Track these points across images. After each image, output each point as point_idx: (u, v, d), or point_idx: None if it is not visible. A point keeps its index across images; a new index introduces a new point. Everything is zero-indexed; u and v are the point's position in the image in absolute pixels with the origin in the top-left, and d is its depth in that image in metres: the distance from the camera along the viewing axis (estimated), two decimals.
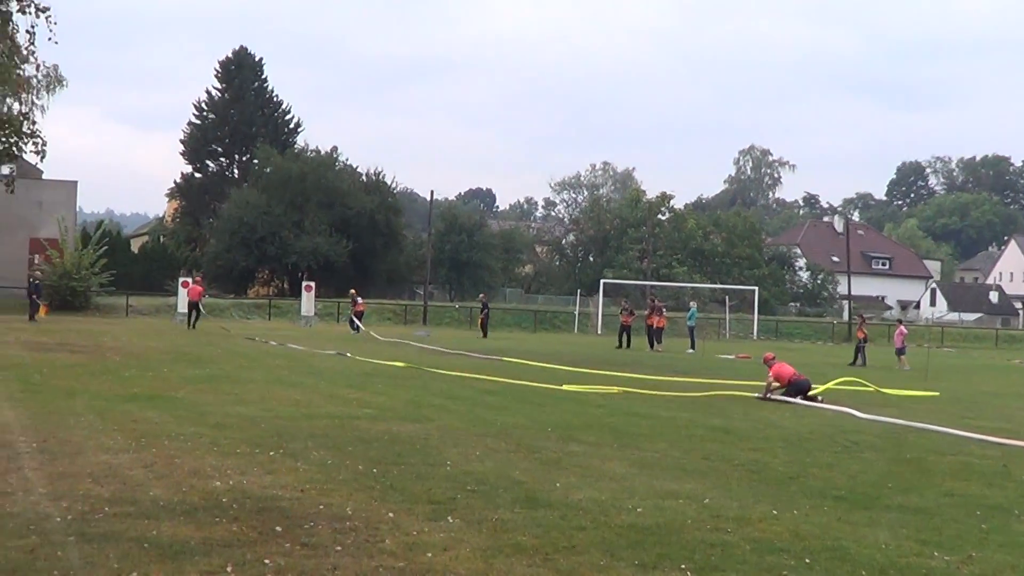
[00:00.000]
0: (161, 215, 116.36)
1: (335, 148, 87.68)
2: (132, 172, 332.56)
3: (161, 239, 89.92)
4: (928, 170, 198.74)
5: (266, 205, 77.41)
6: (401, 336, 46.24)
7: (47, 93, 58.42)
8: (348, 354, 30.92)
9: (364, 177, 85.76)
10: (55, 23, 30.21)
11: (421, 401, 18.27)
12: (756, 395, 22.16)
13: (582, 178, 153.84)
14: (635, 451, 13.25)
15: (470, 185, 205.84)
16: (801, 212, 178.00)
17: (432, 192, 79.00)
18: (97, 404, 15.69)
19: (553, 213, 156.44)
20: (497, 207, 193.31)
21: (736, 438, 15.07)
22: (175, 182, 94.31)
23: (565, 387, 22.46)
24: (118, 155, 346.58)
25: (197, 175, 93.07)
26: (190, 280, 49.57)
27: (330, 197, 79.40)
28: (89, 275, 56.77)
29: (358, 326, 49.24)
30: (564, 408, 18.20)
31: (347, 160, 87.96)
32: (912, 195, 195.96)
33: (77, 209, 74.37)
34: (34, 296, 47.59)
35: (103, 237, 62.93)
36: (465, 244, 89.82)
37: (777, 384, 21.94)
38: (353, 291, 53.88)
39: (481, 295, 57.50)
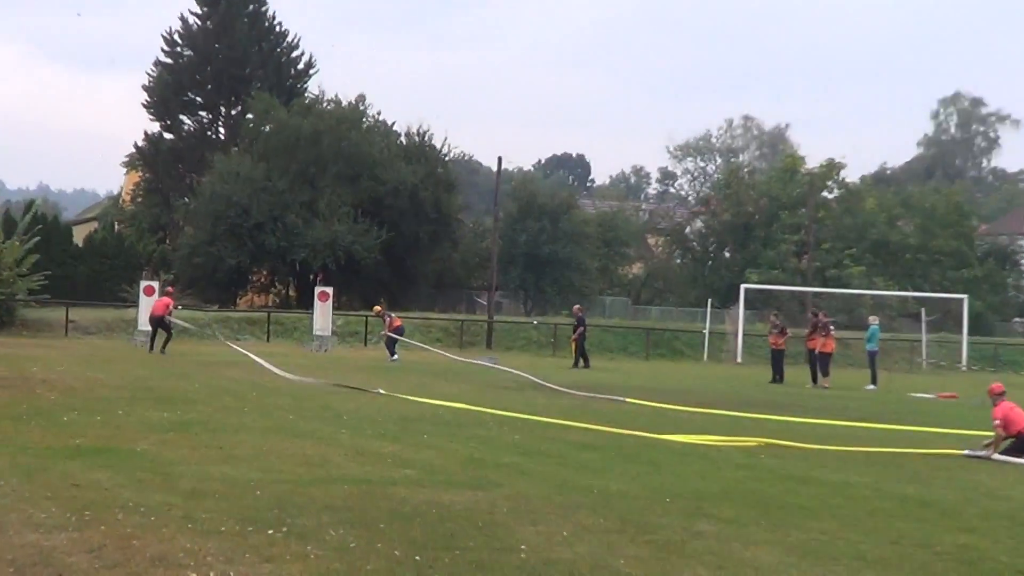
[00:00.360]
0: (116, 192, 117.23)
1: (362, 98, 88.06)
2: (74, 132, 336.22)
3: (116, 226, 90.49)
4: None
5: (264, 178, 77.85)
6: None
7: None
8: (380, 390, 30.91)
9: (403, 139, 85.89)
10: None
11: (485, 459, 18.15)
12: (966, 451, 21.80)
13: (714, 140, 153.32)
14: (792, 531, 13.06)
15: (554, 150, 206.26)
16: None
17: (500, 160, 77.88)
18: (23, 461, 15.68)
19: (673, 189, 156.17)
20: (592, 181, 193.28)
21: (939, 514, 14.84)
22: (136, 146, 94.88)
23: (666, 437, 22.28)
24: (55, 108, 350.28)
25: (167, 136, 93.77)
26: (155, 285, 49.83)
27: (355, 167, 79.74)
28: (13, 278, 56.97)
29: (399, 345, 49.68)
30: (689, 469, 18.03)
31: (379, 115, 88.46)
32: None
33: None
34: None
35: (34, 224, 63.40)
36: (547, 234, 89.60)
37: (1004, 433, 21.59)
38: (378, 308, 54.50)
39: (575, 307, 57.42)
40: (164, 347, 45.33)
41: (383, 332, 52.19)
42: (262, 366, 37.90)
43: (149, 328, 47.32)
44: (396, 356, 49.08)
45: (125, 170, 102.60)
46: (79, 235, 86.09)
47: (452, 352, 54.55)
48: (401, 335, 51.07)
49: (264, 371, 36.77)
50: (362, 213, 77.88)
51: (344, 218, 76.94)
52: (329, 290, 56.88)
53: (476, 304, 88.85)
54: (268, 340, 59.88)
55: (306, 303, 67.48)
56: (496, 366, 46.81)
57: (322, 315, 56.04)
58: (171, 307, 47.81)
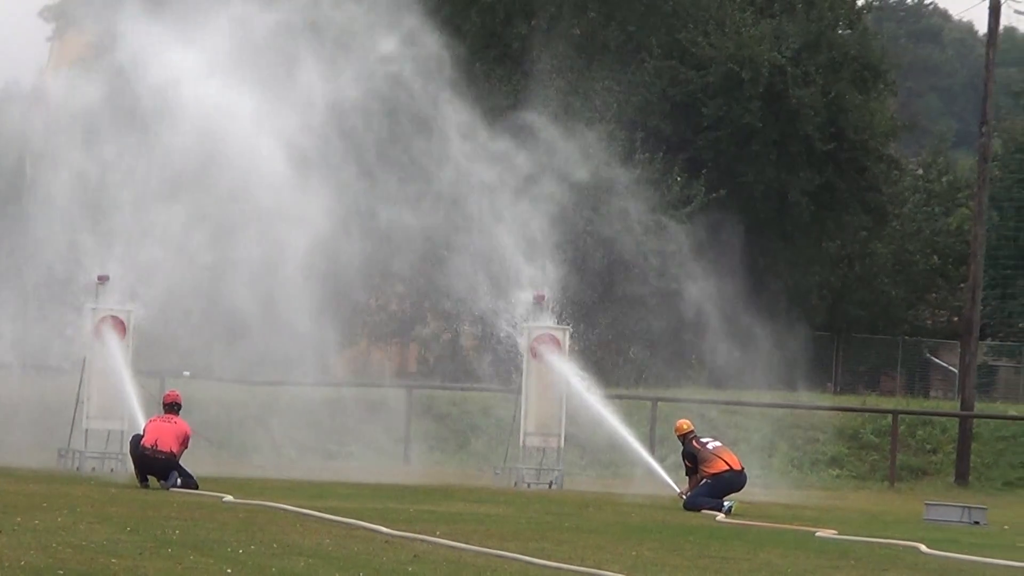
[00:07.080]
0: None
1: None
2: None
3: None
4: None
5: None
6: None
7: None
8: None
9: None
10: None
11: None
12: None
13: None
14: None
15: None
16: None
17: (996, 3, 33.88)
18: None
19: None
20: None
21: None
22: None
23: None
24: None
25: None
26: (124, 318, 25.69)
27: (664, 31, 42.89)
28: None
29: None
30: None
31: None
32: None
33: None
34: None
35: None
36: None
37: None
38: (684, 423, 23.53)
39: None
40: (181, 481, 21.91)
41: (683, 490, 22.86)
42: None
43: (103, 427, 25.48)
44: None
45: (48, 32, 44.17)
46: None
47: None
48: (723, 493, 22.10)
49: None
50: (657, 142, 38.08)
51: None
52: None
53: (933, 372, 46.77)
54: None
55: None
56: None
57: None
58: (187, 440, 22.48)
